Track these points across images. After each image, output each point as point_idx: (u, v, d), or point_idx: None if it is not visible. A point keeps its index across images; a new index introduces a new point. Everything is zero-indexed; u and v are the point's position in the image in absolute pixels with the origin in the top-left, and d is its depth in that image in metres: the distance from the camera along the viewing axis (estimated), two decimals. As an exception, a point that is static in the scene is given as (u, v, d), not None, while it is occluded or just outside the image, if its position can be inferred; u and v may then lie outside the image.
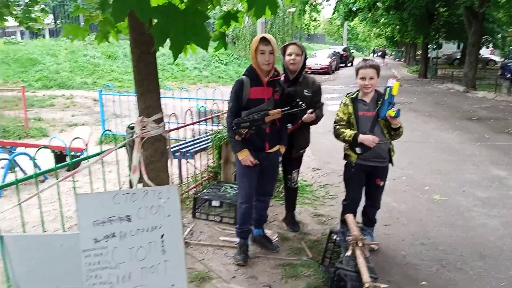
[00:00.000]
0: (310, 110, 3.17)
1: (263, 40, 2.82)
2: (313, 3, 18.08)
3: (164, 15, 1.48)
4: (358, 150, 3.08)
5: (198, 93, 7.10)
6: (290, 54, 3.29)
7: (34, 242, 2.08)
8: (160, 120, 2.18)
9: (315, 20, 40.29)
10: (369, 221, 3.44)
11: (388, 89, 2.95)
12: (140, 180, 2.24)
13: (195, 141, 4.60)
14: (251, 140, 2.91)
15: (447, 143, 7.20)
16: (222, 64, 21.37)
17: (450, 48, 34.01)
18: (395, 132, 3.04)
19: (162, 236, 2.17)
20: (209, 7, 2.76)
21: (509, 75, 16.72)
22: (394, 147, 3.22)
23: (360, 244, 2.60)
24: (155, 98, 2.17)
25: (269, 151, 3.00)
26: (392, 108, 2.92)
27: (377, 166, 3.17)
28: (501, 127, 8.68)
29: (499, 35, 24.43)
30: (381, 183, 3.25)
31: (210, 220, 3.81)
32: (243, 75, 2.93)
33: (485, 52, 31.40)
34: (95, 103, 10.72)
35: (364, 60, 3.18)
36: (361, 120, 3.10)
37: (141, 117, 2.13)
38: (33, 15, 4.70)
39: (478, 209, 4.24)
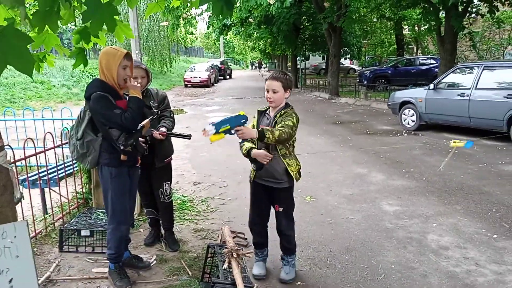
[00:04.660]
0: (158, 132, 3.19)
1: (128, 56, 2.77)
2: (186, 18, 18.13)
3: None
4: (253, 166, 2.92)
5: (63, 112, 6.52)
6: (135, 77, 3.23)
7: None
8: (-1, 149, 1.92)
9: (191, 34, 40.54)
10: (284, 249, 3.14)
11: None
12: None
13: (59, 166, 4.20)
14: (130, 155, 2.81)
15: (316, 147, 7.80)
16: (94, 80, 20.15)
17: (316, 59, 37.29)
18: (264, 143, 2.76)
19: (10, 281, 1.91)
20: (60, 22, 2.56)
21: (365, 82, 18.90)
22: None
23: (235, 255, 2.63)
24: (-9, 124, 1.91)
25: (137, 164, 2.96)
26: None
27: (272, 187, 2.96)
28: (361, 129, 9.74)
29: (355, 47, 27.57)
30: (280, 209, 3.02)
31: (80, 252, 3.49)
32: (99, 91, 2.70)
33: (346, 62, 35.17)
34: None
35: (273, 72, 3.02)
36: None
37: (-26, 147, 1.86)
38: None
39: (344, 206, 4.65)
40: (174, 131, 3.40)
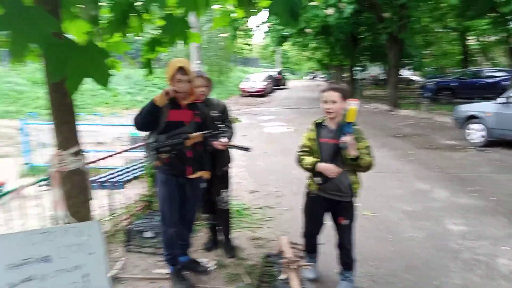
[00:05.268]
0: (220, 141, 3.14)
1: (181, 69, 2.82)
2: (244, 29, 18.51)
3: (60, 50, 1.45)
4: (317, 180, 2.82)
5: (129, 119, 6.87)
6: (199, 87, 3.29)
7: None
8: (78, 153, 2.07)
9: (248, 44, 41.27)
10: (343, 263, 3.08)
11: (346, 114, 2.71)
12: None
13: (126, 170, 4.42)
14: (172, 164, 2.88)
15: (375, 160, 7.56)
16: (157, 88, 21.06)
17: (375, 70, 36.36)
18: (352, 163, 2.75)
19: (84, 276, 2.04)
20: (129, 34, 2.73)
21: (428, 94, 18.13)
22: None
23: (294, 267, 2.62)
24: (72, 129, 2.07)
25: (191, 176, 2.98)
26: (342, 139, 2.67)
27: (337, 200, 2.89)
28: (423, 143, 9.34)
29: (416, 58, 26.54)
30: (345, 222, 2.95)
31: (144, 252, 3.65)
32: None
33: (407, 73, 33.96)
34: (19, 133, 10.02)
35: (330, 83, 3.04)
36: (323, 147, 2.84)
37: (58, 150, 2.01)
38: None
39: (405, 222, 4.47)
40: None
